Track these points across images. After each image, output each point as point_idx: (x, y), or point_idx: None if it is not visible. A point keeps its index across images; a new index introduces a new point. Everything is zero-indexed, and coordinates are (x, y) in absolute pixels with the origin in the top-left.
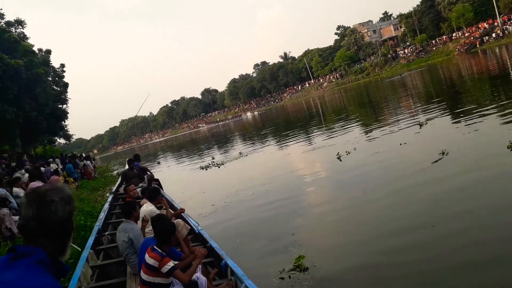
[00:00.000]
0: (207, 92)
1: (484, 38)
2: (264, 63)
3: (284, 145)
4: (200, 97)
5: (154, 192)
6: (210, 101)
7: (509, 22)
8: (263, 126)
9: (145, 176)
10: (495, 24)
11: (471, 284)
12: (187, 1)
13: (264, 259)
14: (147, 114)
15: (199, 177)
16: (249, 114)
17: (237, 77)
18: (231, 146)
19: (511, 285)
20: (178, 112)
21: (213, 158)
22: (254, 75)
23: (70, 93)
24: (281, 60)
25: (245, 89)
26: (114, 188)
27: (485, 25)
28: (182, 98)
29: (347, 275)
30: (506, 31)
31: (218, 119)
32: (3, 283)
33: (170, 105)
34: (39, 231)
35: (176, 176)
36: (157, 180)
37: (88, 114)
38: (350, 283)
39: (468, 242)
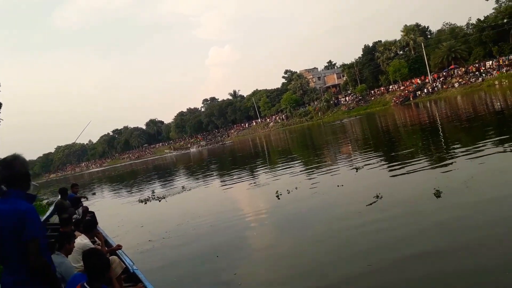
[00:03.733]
0: (152, 123)
1: (416, 92)
2: (213, 98)
3: (228, 181)
4: (144, 127)
5: (90, 224)
6: (155, 132)
7: (438, 80)
8: (209, 161)
9: (80, 208)
10: (427, 80)
11: None
12: (138, 31)
13: None
14: (86, 142)
15: (138, 211)
16: (195, 148)
17: (185, 110)
18: (174, 180)
19: None
20: (120, 141)
21: (153, 191)
22: (203, 109)
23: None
24: (230, 98)
25: (192, 123)
26: (43, 218)
27: (418, 81)
28: (125, 128)
29: None
30: (435, 88)
31: (168, 150)
32: (3, 210)
33: (111, 134)
34: (15, 180)
35: (112, 209)
36: (92, 212)
37: (21, 138)
38: None
39: (399, 279)
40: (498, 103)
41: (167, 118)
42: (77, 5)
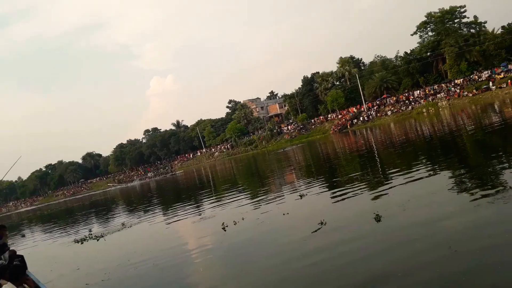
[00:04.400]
0: (89, 156)
1: (353, 120)
2: (155, 129)
3: (172, 215)
4: (81, 161)
5: (18, 270)
6: (92, 166)
7: (372, 109)
8: (151, 195)
9: (6, 252)
10: (362, 109)
11: None
12: (74, 61)
13: None
14: (15, 179)
15: (73, 252)
16: (138, 180)
17: (125, 142)
18: (113, 216)
19: None
20: (54, 177)
21: (90, 230)
22: (144, 140)
23: None
24: (173, 128)
25: (132, 155)
26: None
27: (354, 109)
28: (60, 162)
29: None
30: (370, 116)
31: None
32: None
33: (44, 169)
34: None
35: (44, 251)
36: (21, 256)
37: None
38: None
39: None
40: (427, 130)
41: (106, 151)
42: (8, 34)
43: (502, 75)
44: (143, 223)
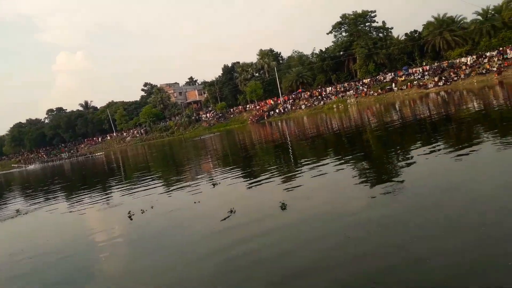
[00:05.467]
0: None
1: (270, 112)
2: (60, 109)
3: (76, 202)
4: None
5: None
6: None
7: (288, 102)
8: (53, 179)
9: None
10: (279, 102)
11: None
12: None
13: None
14: None
15: None
16: (38, 164)
17: (24, 121)
18: (6, 202)
19: None
20: None
21: None
22: (47, 121)
23: None
24: (81, 109)
25: (33, 136)
26: None
27: (271, 101)
28: None
29: None
30: (286, 109)
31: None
32: None
33: None
34: None
35: None
36: None
37: None
38: None
39: None
40: (336, 124)
41: (0, 130)
42: None
43: (403, 78)
44: (41, 210)
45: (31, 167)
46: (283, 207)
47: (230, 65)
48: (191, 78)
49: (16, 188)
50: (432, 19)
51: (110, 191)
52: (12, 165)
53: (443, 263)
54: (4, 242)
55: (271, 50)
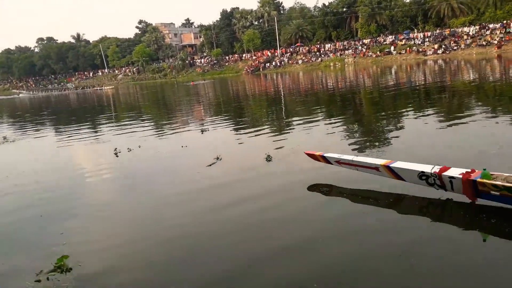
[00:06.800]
0: None
1: (266, 64)
2: (51, 39)
3: (64, 135)
4: None
5: None
6: None
7: (285, 55)
8: (42, 111)
9: None
10: (276, 54)
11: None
12: None
13: (20, 263)
14: None
15: None
16: (24, 93)
17: (13, 47)
18: None
19: None
20: None
21: None
22: (37, 50)
23: None
24: (72, 41)
25: (22, 64)
26: None
27: (269, 53)
28: None
29: (113, 273)
30: (282, 62)
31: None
32: None
33: None
34: None
35: None
36: None
37: None
38: (114, 281)
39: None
40: (331, 82)
41: None
42: None
43: (403, 42)
44: (29, 139)
45: (37, 93)
46: (268, 159)
47: (229, 10)
48: (187, 20)
49: (11, 115)
50: None
51: (98, 127)
52: (13, 90)
53: None
54: None
55: None
